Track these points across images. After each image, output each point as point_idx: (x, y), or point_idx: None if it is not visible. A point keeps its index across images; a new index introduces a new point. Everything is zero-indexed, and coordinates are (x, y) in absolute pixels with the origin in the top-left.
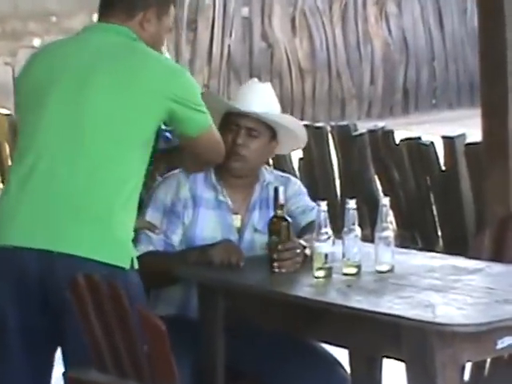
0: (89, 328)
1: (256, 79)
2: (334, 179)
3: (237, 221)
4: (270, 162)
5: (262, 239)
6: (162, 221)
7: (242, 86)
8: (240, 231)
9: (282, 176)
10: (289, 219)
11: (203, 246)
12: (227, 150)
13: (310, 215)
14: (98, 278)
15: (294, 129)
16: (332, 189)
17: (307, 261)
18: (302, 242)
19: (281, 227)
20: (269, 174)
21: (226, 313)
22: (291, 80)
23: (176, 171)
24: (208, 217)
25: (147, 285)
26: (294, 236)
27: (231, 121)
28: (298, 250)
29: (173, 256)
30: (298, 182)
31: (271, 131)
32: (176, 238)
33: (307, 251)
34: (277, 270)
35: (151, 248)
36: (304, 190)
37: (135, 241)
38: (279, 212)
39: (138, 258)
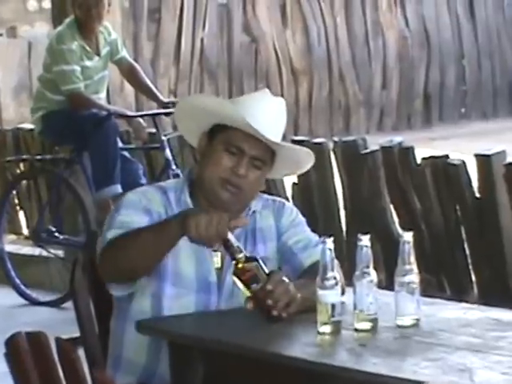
0: None
1: (267, 90)
2: (337, 209)
3: (216, 259)
4: None
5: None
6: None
7: (252, 96)
8: (220, 273)
9: (274, 200)
10: (257, 256)
11: (182, 213)
12: (220, 177)
13: (314, 253)
14: (44, 338)
15: (299, 154)
16: (336, 222)
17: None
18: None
19: (253, 270)
20: (256, 201)
21: (205, 379)
22: (281, 84)
23: (145, 187)
24: (181, 248)
25: (115, 277)
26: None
27: (231, 141)
28: (286, 280)
29: (146, 228)
30: (294, 209)
31: (273, 160)
32: None
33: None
34: (275, 314)
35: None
36: (302, 218)
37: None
38: (240, 256)
39: (111, 240)
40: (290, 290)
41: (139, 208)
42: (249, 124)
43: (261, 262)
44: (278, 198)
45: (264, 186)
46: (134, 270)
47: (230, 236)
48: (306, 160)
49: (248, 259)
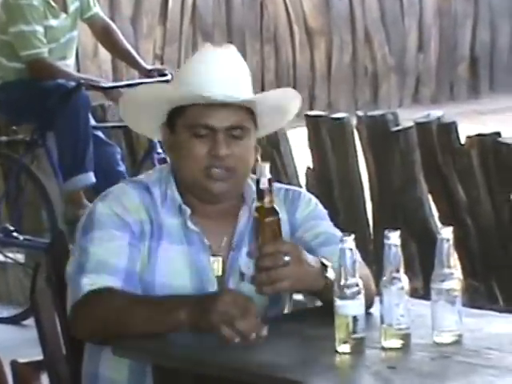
0: None
1: (209, 44)
2: (363, 201)
3: (217, 265)
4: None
5: (252, 291)
6: (116, 239)
7: (192, 60)
8: (221, 281)
9: (288, 190)
10: (279, 213)
11: (197, 296)
12: (200, 169)
13: (336, 251)
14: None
15: (282, 103)
16: (361, 216)
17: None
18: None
19: (264, 225)
20: None
21: None
22: (293, 47)
23: (120, 185)
24: (172, 255)
25: (88, 335)
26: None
27: (194, 122)
28: (287, 258)
29: (147, 307)
30: (313, 199)
31: (254, 118)
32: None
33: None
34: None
35: (111, 282)
36: (322, 209)
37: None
38: (266, 201)
39: (91, 294)
40: (278, 272)
41: (113, 226)
42: (199, 95)
43: (279, 224)
44: (293, 187)
45: (257, 153)
46: (116, 335)
47: (265, 174)
48: (291, 101)
49: (267, 211)
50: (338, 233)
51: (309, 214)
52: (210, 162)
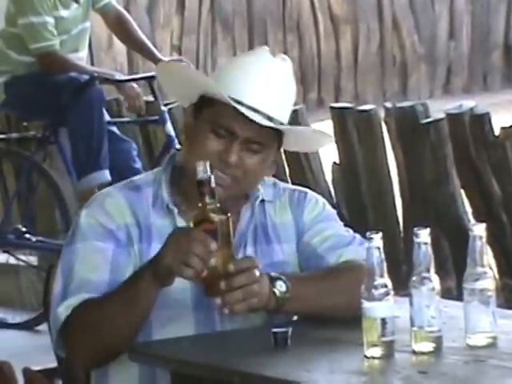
0: None
1: (267, 48)
2: (392, 196)
3: None
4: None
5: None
6: (100, 252)
7: (242, 60)
8: None
9: (294, 190)
10: (228, 213)
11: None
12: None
13: (346, 253)
14: (7, 368)
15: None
16: (390, 213)
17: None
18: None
19: (215, 224)
20: (266, 188)
21: None
22: (317, 36)
23: (106, 189)
24: None
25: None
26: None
27: (218, 120)
28: (257, 273)
29: (118, 293)
30: (321, 199)
31: (280, 137)
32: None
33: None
34: (227, 312)
35: (88, 295)
36: (331, 210)
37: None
38: (211, 201)
39: (70, 317)
40: (253, 287)
41: (97, 237)
42: (233, 100)
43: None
44: (299, 188)
45: (273, 169)
46: (115, 346)
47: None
48: (320, 142)
49: (220, 210)
50: (348, 234)
51: (316, 216)
52: (216, 163)
